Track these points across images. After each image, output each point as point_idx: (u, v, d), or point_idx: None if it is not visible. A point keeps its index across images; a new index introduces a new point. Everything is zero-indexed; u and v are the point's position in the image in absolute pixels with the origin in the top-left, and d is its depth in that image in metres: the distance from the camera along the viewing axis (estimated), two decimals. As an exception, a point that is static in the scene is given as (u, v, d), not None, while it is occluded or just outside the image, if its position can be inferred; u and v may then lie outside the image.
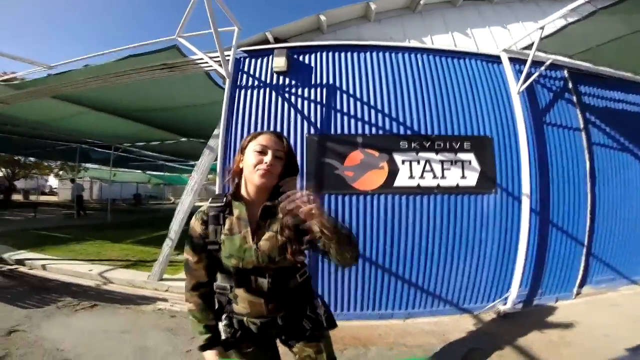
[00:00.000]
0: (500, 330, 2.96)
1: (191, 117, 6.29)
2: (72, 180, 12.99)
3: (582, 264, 3.71)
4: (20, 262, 4.82)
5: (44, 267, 4.60)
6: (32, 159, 14.62)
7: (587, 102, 3.94)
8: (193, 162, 16.26)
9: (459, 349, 2.61)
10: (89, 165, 15.06)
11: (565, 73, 3.90)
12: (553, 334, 2.84)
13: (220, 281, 1.18)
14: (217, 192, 3.22)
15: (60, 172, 17.62)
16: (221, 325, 1.19)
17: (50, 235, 7.10)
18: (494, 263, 3.44)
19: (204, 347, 1.16)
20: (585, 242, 3.72)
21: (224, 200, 1.17)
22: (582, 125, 3.81)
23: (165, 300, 3.60)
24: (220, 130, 2.96)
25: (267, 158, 1.10)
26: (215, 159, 4.68)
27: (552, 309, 3.44)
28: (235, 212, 1.16)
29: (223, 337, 1.18)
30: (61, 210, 13.49)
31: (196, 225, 1.17)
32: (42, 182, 21.87)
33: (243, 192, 1.17)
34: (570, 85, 3.89)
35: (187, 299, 1.20)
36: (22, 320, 2.90)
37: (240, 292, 1.15)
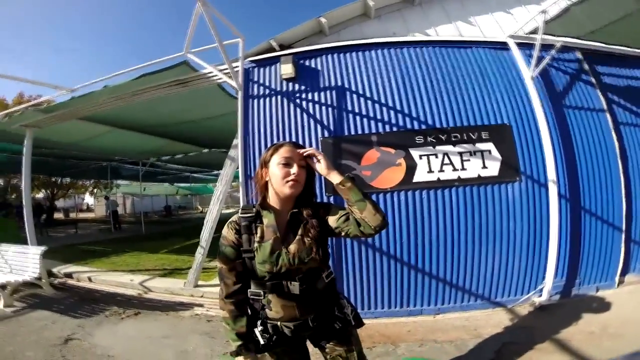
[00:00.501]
0: (536, 323, 2.87)
1: (210, 129, 6.51)
2: (106, 197, 13.80)
3: (623, 251, 3.50)
4: (69, 275, 5.21)
5: (89, 279, 4.95)
6: (67, 179, 15.59)
7: (607, 82, 3.73)
8: (217, 172, 16.74)
9: (492, 343, 2.55)
10: (120, 181, 15.93)
11: (579, 54, 3.72)
12: (594, 325, 2.70)
13: (253, 288, 1.23)
14: (241, 200, 3.36)
15: (95, 190, 18.74)
16: (257, 332, 1.23)
17: (92, 249, 7.64)
18: (524, 253, 3.33)
19: (236, 354, 1.22)
20: (624, 227, 3.50)
21: (254, 210, 1.25)
22: (605, 106, 3.61)
23: (201, 305, 3.78)
24: (238, 141, 3.08)
25: (294, 170, 1.18)
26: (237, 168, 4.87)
27: (593, 299, 3.28)
28: (265, 220, 1.23)
29: (261, 342, 1.22)
30: (99, 225, 14.39)
31: (229, 234, 1.23)
32: (79, 200, 23.36)
33: (270, 201, 1.25)
34: (586, 66, 3.71)
35: (222, 307, 1.24)
36: (76, 329, 3.16)
37: (273, 297, 1.21)
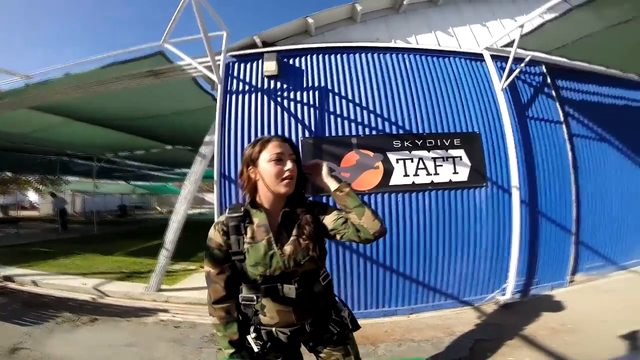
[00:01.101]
0: (502, 320, 3.05)
1: (177, 124, 6.20)
2: (53, 194, 12.54)
3: (572, 252, 3.86)
4: (9, 278, 4.64)
5: (34, 282, 4.45)
6: (9, 173, 13.99)
7: (565, 96, 4.11)
8: (179, 170, 15.97)
9: (465, 340, 2.66)
10: (69, 177, 14.56)
11: (544, 68, 4.06)
12: (553, 321, 2.92)
13: (245, 292, 1.16)
14: (215, 200, 3.21)
15: (41, 187, 16.95)
16: (250, 339, 1.15)
17: (36, 251, 6.86)
18: (489, 254, 3.54)
19: None
20: (574, 231, 3.87)
21: (242, 209, 1.17)
22: (562, 118, 3.97)
23: (166, 311, 3.54)
24: (215, 137, 2.93)
25: (288, 166, 1.11)
26: (209, 166, 4.66)
27: (549, 297, 3.56)
28: (255, 220, 1.15)
29: (255, 349, 1.14)
30: (44, 224, 13.01)
31: (216, 236, 1.15)
32: (21, 197, 20.94)
33: (259, 200, 1.18)
34: (549, 80, 4.05)
35: (211, 312, 1.17)
36: (23, 337, 2.80)
37: (267, 301, 1.13)
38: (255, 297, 1.13)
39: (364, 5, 3.79)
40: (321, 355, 1.25)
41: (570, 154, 3.92)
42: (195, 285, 4.30)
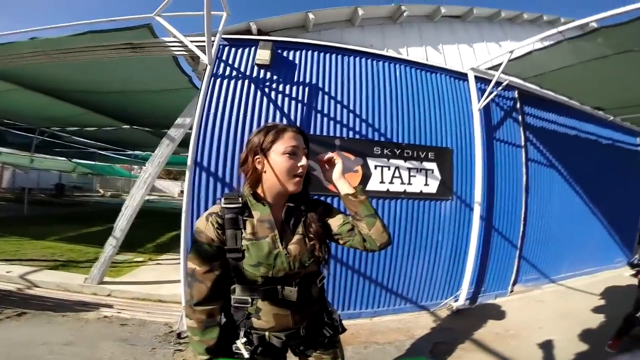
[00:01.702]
0: (455, 325, 3.24)
1: (143, 103, 5.70)
2: (-26, 164, 10.83)
3: (515, 265, 4.26)
4: None
5: (-58, 268, 3.76)
6: None
7: (528, 122, 4.53)
8: (130, 152, 14.73)
9: (425, 343, 2.80)
10: (1, 149, 12.66)
11: (516, 94, 4.43)
12: (498, 327, 3.19)
13: (239, 294, 1.04)
14: (185, 188, 2.98)
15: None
16: (240, 344, 1.03)
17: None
18: (447, 263, 3.76)
19: None
20: (518, 245, 4.27)
21: (240, 200, 1.05)
22: (522, 143, 4.36)
23: (109, 306, 3.21)
24: (195, 121, 2.72)
25: (302, 162, 1.03)
26: (175, 152, 4.34)
27: (494, 305, 3.88)
28: (256, 214, 1.05)
29: (246, 356, 1.02)
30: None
31: (208, 229, 1.01)
32: None
33: (260, 192, 1.07)
34: (518, 105, 4.43)
35: (188, 314, 1.03)
36: None
37: (263, 304, 1.03)
38: (250, 300, 1.03)
39: (365, 11, 3.82)
40: (309, 358, 1.19)
41: (524, 176, 4.32)
42: (143, 279, 3.99)
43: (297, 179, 1.03)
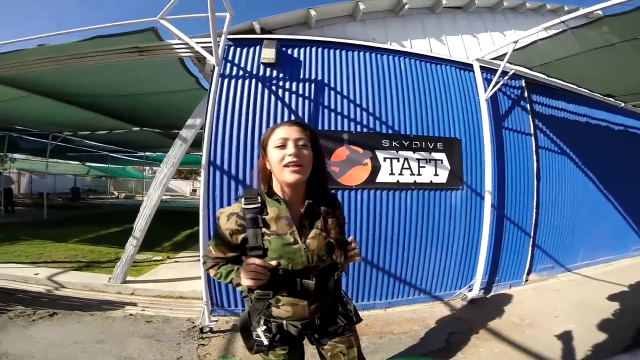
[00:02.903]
0: (470, 315, 3.26)
1: (152, 105, 5.82)
2: (-3, 172, 11.21)
3: (529, 254, 4.23)
4: (-59, 267, 4.07)
5: (-26, 272, 3.94)
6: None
7: (537, 110, 4.46)
8: (141, 153, 15.02)
9: (440, 333, 2.83)
10: (16, 155, 13.08)
11: (523, 83, 4.37)
12: (514, 316, 3.19)
13: (261, 286, 1.09)
14: (201, 188, 3.06)
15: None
16: (260, 331, 1.13)
17: (-28, 235, 6.08)
18: (460, 253, 3.77)
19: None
20: (532, 234, 4.23)
21: (259, 199, 1.11)
22: (532, 131, 4.31)
23: (134, 304, 3.32)
24: (207, 122, 2.78)
25: (290, 149, 1.03)
26: (188, 152, 4.43)
27: (508, 294, 3.87)
28: (273, 212, 1.10)
29: (265, 343, 1.12)
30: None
31: (229, 227, 1.09)
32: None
33: (277, 190, 1.12)
34: (525, 94, 4.37)
35: (210, 273, 1.22)
36: (-30, 334, 2.47)
37: (283, 295, 1.11)
38: (271, 292, 1.10)
39: (366, 5, 3.81)
40: (325, 347, 1.26)
41: (535, 164, 4.27)
42: (164, 277, 4.10)
43: (289, 168, 1.03)
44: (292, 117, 3.34)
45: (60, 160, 15.40)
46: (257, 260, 1.01)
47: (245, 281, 1.00)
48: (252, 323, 1.18)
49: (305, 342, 1.29)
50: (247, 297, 1.19)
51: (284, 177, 1.05)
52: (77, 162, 17.12)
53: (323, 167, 1.18)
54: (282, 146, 1.04)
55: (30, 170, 16.61)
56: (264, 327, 1.13)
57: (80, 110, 6.30)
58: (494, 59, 3.87)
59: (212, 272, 1.19)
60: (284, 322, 1.14)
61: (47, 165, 11.09)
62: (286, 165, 1.03)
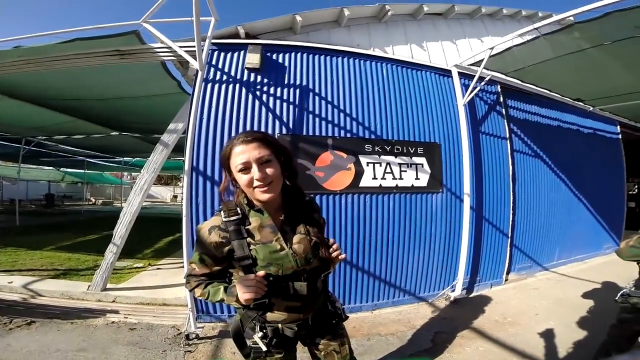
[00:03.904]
0: (453, 314, 3.36)
1: (132, 109, 5.68)
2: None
3: (508, 254, 4.40)
4: None
5: (-58, 282, 3.74)
6: None
7: (512, 114, 4.67)
8: (119, 159, 14.57)
9: (426, 333, 2.90)
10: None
11: (499, 88, 4.57)
12: (496, 315, 3.30)
13: None
14: (184, 194, 3.02)
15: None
16: (257, 338, 1.14)
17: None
18: (442, 254, 3.88)
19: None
20: (509, 235, 4.40)
21: (239, 211, 1.12)
22: (507, 135, 4.50)
23: (115, 312, 3.24)
24: (189, 127, 2.75)
25: (255, 174, 1.03)
26: (169, 157, 4.36)
27: (490, 294, 4.00)
28: (256, 221, 1.12)
29: (264, 349, 1.13)
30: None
31: (212, 241, 1.10)
32: None
33: (254, 200, 1.12)
34: (501, 99, 4.57)
35: (190, 289, 1.20)
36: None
37: (277, 300, 1.13)
38: (266, 300, 1.11)
39: (351, 11, 3.90)
40: (319, 347, 1.29)
41: (510, 167, 4.46)
42: (146, 285, 4.02)
43: (259, 189, 1.04)
44: (277, 123, 3.36)
45: (33, 166, 14.71)
46: (252, 275, 1.04)
47: (245, 296, 1.00)
48: (245, 330, 1.19)
49: (297, 346, 1.31)
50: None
51: (256, 197, 1.07)
52: (51, 168, 16.41)
53: (294, 172, 1.18)
54: (246, 169, 1.04)
55: (0, 176, 15.80)
56: (260, 334, 1.14)
57: (56, 114, 6.06)
58: (471, 64, 4.02)
59: (197, 292, 1.16)
60: (280, 325, 1.16)
61: (19, 170, 10.58)
62: (255, 188, 1.05)
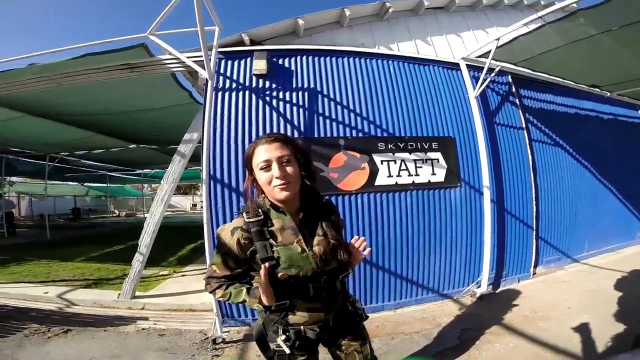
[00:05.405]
0: (480, 311, 3.27)
1: (147, 121, 5.87)
2: (-2, 196, 11.26)
3: (534, 247, 4.25)
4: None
5: (-16, 293, 3.99)
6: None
7: (526, 104, 4.53)
8: (139, 171, 15.07)
9: (453, 331, 2.84)
10: (14, 178, 13.11)
11: (510, 78, 4.44)
12: (525, 310, 3.18)
13: (277, 297, 1.13)
14: (204, 201, 3.10)
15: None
16: (280, 341, 1.14)
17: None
18: (465, 249, 3.80)
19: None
20: (534, 226, 4.25)
21: (261, 212, 1.14)
22: (523, 125, 4.37)
23: (145, 318, 3.36)
24: (204, 136, 2.83)
25: (275, 172, 1.06)
26: (187, 167, 4.47)
27: (517, 288, 3.87)
28: (277, 222, 1.14)
29: (287, 351, 1.13)
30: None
31: (233, 243, 1.12)
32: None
33: (273, 199, 1.15)
34: (513, 89, 4.44)
35: (210, 291, 1.22)
36: (-9, 353, 2.52)
37: (298, 302, 1.15)
38: (287, 301, 1.13)
39: (352, 11, 3.90)
40: (341, 347, 1.29)
41: (530, 157, 4.32)
42: (172, 291, 4.13)
43: (278, 187, 1.07)
44: (288, 127, 3.40)
45: (59, 182, 15.42)
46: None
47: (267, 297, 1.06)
48: (268, 333, 1.20)
49: (319, 348, 1.32)
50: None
51: (274, 195, 1.10)
52: (75, 183, 17.17)
53: (312, 174, 1.20)
54: (267, 167, 1.07)
55: (29, 193, 16.67)
56: (283, 337, 1.15)
57: (74, 129, 6.34)
58: (479, 56, 3.94)
59: (218, 293, 1.18)
60: (302, 327, 1.17)
61: (45, 187, 11.12)
62: (275, 186, 1.07)
